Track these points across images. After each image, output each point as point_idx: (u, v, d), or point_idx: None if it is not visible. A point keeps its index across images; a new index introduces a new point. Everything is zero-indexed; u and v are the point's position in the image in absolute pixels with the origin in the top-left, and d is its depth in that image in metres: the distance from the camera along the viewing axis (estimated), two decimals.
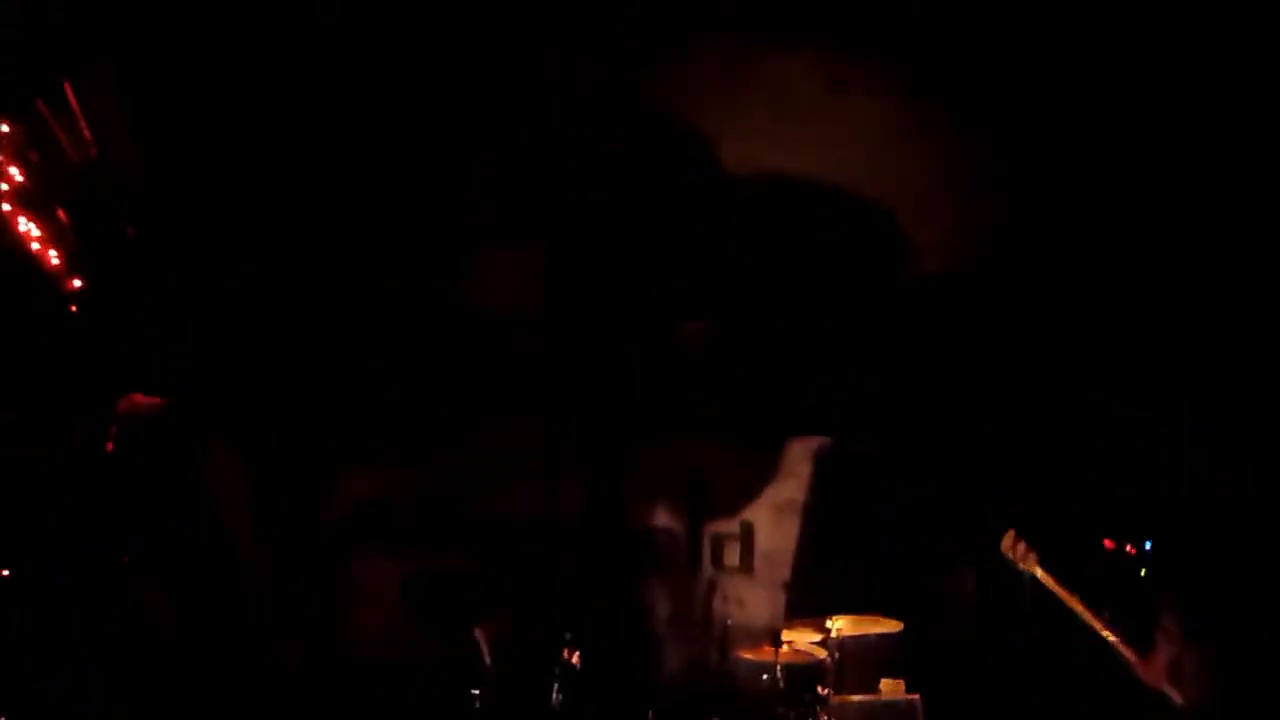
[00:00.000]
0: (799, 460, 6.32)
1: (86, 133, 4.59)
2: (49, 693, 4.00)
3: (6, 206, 4.42)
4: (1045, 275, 5.60)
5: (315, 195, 5.38)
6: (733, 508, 6.20)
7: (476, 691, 4.41)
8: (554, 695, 4.37)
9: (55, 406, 4.74)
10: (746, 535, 6.15)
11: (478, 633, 4.52)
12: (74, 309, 4.86)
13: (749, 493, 6.23)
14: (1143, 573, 4.10)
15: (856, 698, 4.54)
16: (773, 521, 6.19)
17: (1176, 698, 3.71)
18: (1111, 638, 3.83)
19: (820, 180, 5.68)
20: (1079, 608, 3.92)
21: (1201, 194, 4.99)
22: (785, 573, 6.07)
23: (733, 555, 6.09)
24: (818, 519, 6.19)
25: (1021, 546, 4.05)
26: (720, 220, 5.80)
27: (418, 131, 5.15)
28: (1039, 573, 4.02)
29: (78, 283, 4.84)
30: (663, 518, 6.12)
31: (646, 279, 6.01)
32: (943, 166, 5.52)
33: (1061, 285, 5.59)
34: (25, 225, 4.55)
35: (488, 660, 4.54)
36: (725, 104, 5.11)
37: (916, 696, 4.55)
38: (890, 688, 4.70)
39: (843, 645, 4.35)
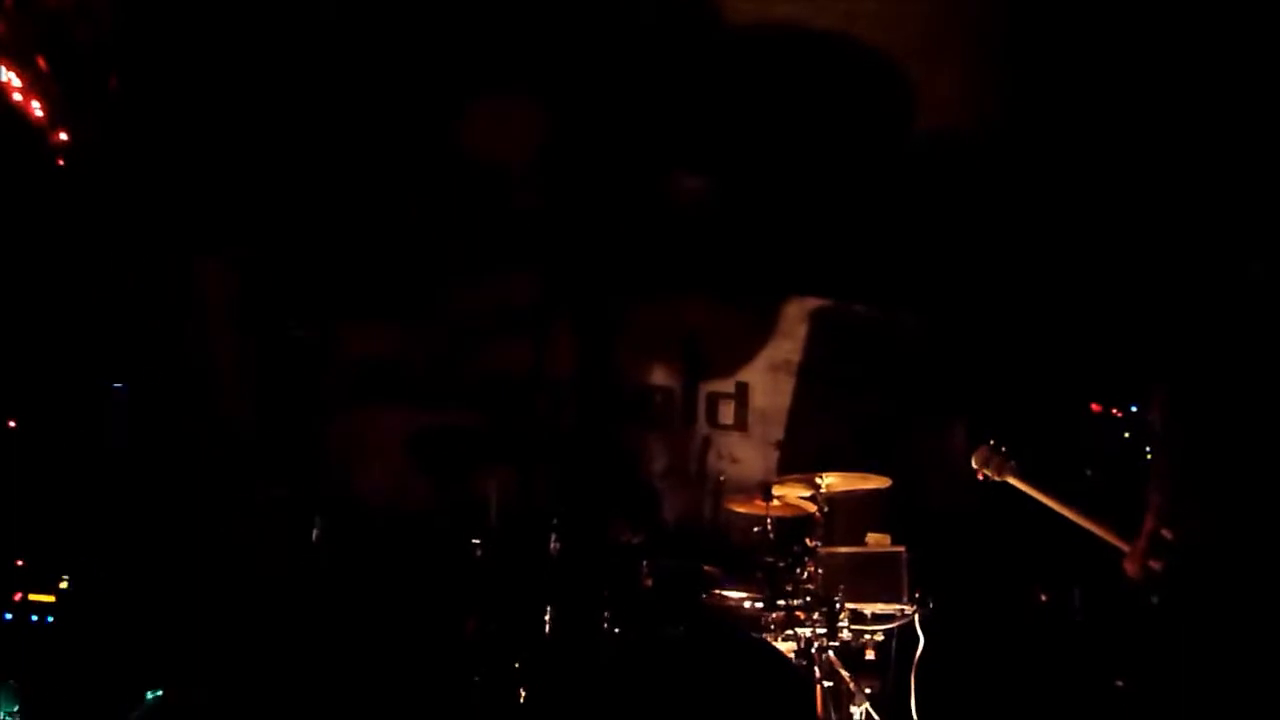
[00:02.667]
0: (796, 320, 6.35)
1: None
2: None
3: None
4: (1056, 137, 5.49)
5: (306, 45, 5.21)
6: (728, 367, 6.26)
7: (477, 541, 4.56)
8: (551, 545, 4.52)
9: (46, 263, 4.74)
10: (741, 395, 6.24)
11: (488, 485, 4.62)
12: (60, 162, 4.78)
13: (745, 352, 6.28)
14: (1127, 435, 4.17)
15: (843, 549, 4.69)
16: (768, 381, 6.26)
17: (1157, 565, 3.74)
18: (1099, 531, 3.84)
19: (828, 30, 5.50)
20: (1062, 509, 3.91)
21: (1220, 58, 4.83)
22: (778, 431, 6.19)
23: (728, 414, 6.19)
24: (812, 379, 6.26)
25: (996, 460, 3.99)
26: (723, 72, 5.64)
27: None
28: (1016, 482, 3.99)
29: (64, 135, 4.74)
30: (659, 376, 6.19)
31: (645, 133, 5.89)
32: (954, 16, 5.33)
33: (1072, 147, 5.48)
34: (5, 75, 4.43)
35: (494, 511, 4.66)
36: None
37: (901, 549, 4.70)
38: (876, 540, 4.86)
39: (832, 500, 4.45)
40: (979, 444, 4.01)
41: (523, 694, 4.10)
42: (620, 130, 5.85)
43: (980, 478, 4.01)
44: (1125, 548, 3.75)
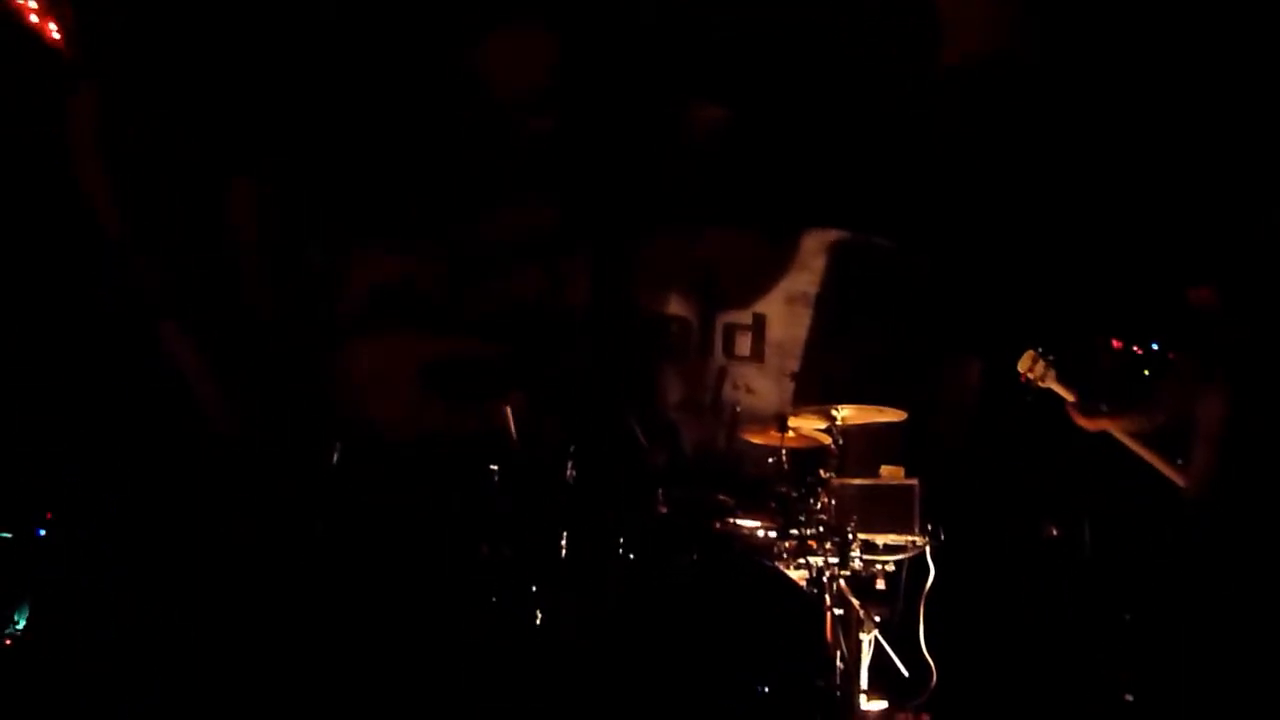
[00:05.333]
0: (814, 253, 6.30)
1: None
2: None
3: None
4: (1080, 69, 5.36)
5: None
6: (746, 299, 6.24)
7: (495, 468, 4.60)
8: (568, 471, 4.55)
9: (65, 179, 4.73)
10: (759, 326, 6.23)
11: (506, 409, 4.63)
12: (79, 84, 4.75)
13: (763, 284, 6.26)
14: (1147, 373, 4.16)
15: (856, 481, 4.73)
16: (785, 312, 6.25)
17: (1179, 479, 3.77)
18: (1135, 446, 3.87)
19: None
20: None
21: None
22: (795, 363, 6.19)
23: (744, 345, 6.19)
24: (830, 311, 6.24)
25: (1041, 365, 4.07)
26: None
27: None
28: (1058, 388, 4.07)
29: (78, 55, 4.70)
30: (675, 306, 6.18)
31: (663, 61, 5.79)
32: None
33: (1096, 78, 5.36)
34: None
35: (514, 435, 4.66)
36: None
37: (915, 481, 4.73)
38: (890, 473, 4.89)
39: (846, 432, 4.48)
40: (1026, 349, 4.08)
41: (539, 616, 4.18)
42: (638, 59, 5.76)
43: (1024, 381, 4.08)
44: (1158, 463, 3.77)
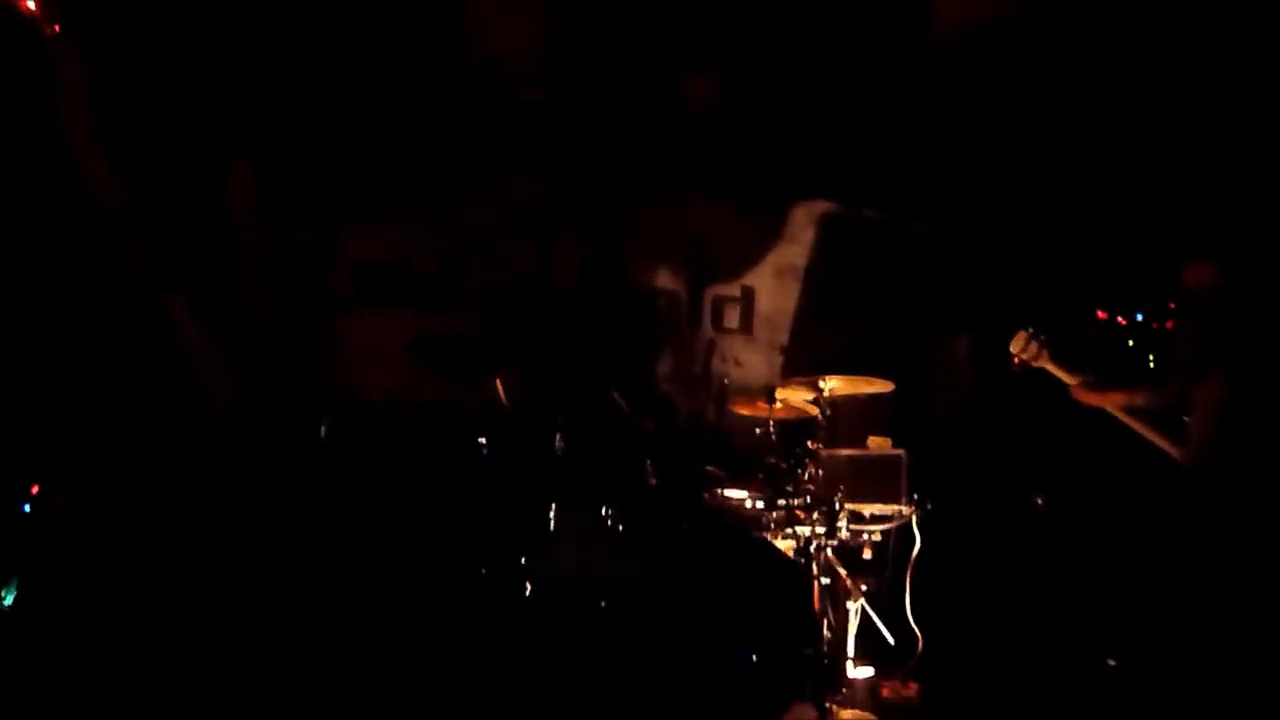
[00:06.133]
0: (803, 225, 6.30)
1: None
2: None
3: None
4: (1070, 39, 5.35)
5: None
6: (734, 271, 6.24)
7: (483, 440, 4.60)
8: (557, 443, 4.56)
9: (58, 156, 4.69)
10: (747, 299, 6.24)
11: (497, 381, 4.63)
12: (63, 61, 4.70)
13: (752, 256, 6.26)
14: (1131, 343, 4.17)
15: (844, 451, 4.76)
16: (774, 285, 6.25)
17: (1174, 450, 3.81)
18: (1129, 421, 3.89)
19: None
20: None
21: None
22: (783, 335, 6.21)
23: (733, 317, 6.21)
24: (818, 283, 6.25)
25: (1034, 345, 4.05)
26: None
27: None
28: (1051, 368, 4.06)
29: (57, 28, 4.64)
30: (664, 279, 6.18)
31: (652, 31, 5.76)
32: None
33: (1085, 48, 5.35)
34: None
35: (505, 410, 4.67)
36: None
37: (901, 452, 4.76)
38: (878, 444, 4.91)
39: (835, 403, 4.49)
40: (1018, 331, 4.08)
41: (528, 588, 4.20)
42: (627, 30, 5.72)
43: (1015, 363, 4.08)
44: (1152, 435, 3.80)
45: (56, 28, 4.62)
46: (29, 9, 4.48)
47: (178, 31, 5.07)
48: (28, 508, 4.33)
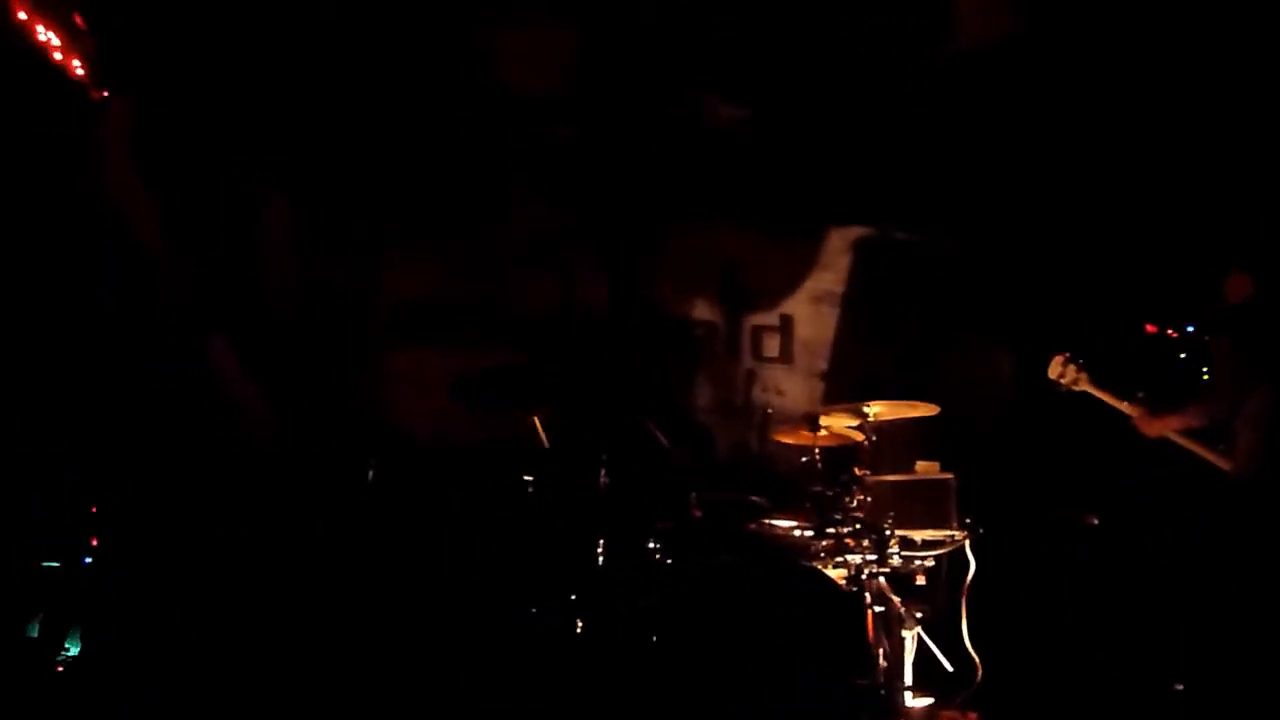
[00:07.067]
0: (838, 251, 6.29)
1: None
2: None
3: (23, 15, 4.31)
4: (1096, 53, 5.32)
5: None
6: (772, 300, 6.23)
7: (530, 478, 4.61)
8: (601, 478, 4.55)
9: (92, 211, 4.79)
10: (786, 327, 6.22)
11: (535, 420, 4.64)
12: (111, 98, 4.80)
13: (788, 285, 6.25)
14: (1183, 356, 4.11)
15: (891, 477, 4.70)
16: (811, 312, 6.23)
17: (1225, 464, 3.74)
18: (1188, 444, 3.84)
19: None
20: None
21: None
22: (823, 362, 6.18)
23: (772, 346, 6.18)
24: (856, 308, 6.22)
25: (1071, 370, 4.03)
26: None
27: None
28: (1092, 390, 4.03)
29: (106, 94, 4.77)
30: (701, 310, 6.18)
31: (681, 60, 5.81)
32: None
33: (1113, 63, 5.32)
34: (45, 35, 4.45)
35: (545, 442, 4.67)
36: None
37: (950, 476, 4.69)
38: (925, 469, 4.85)
39: (879, 429, 4.44)
40: (1054, 355, 4.04)
41: (579, 625, 4.18)
42: (655, 58, 5.77)
43: (1056, 388, 4.04)
44: (1202, 451, 3.74)
45: (105, 93, 4.74)
46: (77, 75, 4.61)
47: (214, 67, 5.18)
48: (89, 560, 4.37)
